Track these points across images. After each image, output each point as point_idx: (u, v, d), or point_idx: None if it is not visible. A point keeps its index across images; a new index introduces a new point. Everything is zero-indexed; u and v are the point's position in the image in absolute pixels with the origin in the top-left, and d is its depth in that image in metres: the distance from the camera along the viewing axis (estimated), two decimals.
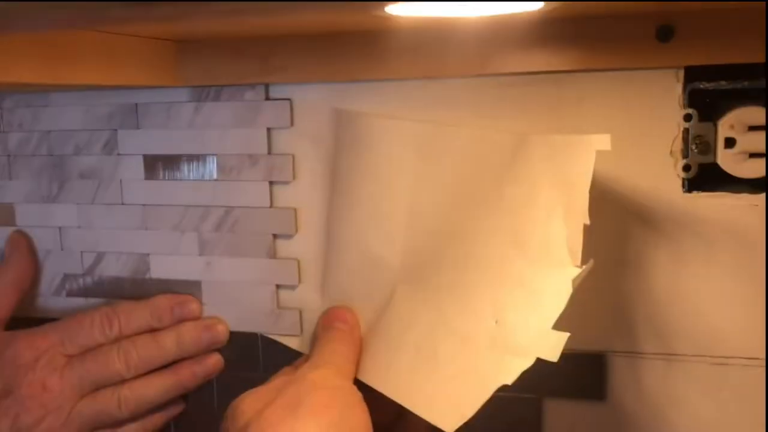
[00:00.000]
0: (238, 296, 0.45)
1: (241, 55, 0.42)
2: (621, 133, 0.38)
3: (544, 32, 0.37)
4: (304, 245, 0.44)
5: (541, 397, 0.41)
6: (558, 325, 0.40)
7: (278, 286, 0.44)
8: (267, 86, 0.43)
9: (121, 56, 0.39)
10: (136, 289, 0.47)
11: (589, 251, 0.39)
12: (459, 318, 0.37)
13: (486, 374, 0.35)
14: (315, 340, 0.42)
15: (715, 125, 0.37)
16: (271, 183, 0.44)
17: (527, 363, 0.34)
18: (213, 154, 0.44)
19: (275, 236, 0.44)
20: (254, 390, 0.37)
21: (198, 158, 0.45)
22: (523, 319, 0.35)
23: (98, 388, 0.42)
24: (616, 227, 0.39)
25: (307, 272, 0.44)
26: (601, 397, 0.40)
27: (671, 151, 0.38)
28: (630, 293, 0.39)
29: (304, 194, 0.43)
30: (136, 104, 0.46)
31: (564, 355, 0.41)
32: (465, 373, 0.36)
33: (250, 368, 0.46)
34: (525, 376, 0.41)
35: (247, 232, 0.44)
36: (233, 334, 0.46)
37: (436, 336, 0.37)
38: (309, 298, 0.44)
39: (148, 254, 0.47)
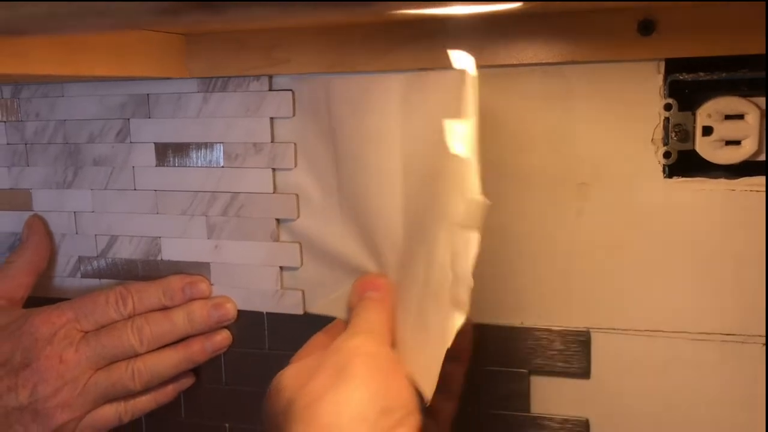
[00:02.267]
0: (244, 277, 0.48)
1: (246, 48, 0.44)
2: (605, 122, 0.40)
3: (533, 27, 0.39)
4: (305, 229, 0.46)
5: (530, 372, 0.43)
6: (546, 303, 0.43)
7: (282, 268, 0.47)
8: (270, 78, 0.45)
9: (133, 49, 0.41)
10: (148, 270, 0.50)
11: (577, 234, 0.42)
12: (433, 276, 0.36)
13: (442, 332, 0.35)
14: (349, 309, 0.41)
15: (694, 114, 0.39)
16: (274, 170, 0.46)
17: (461, 318, 0.34)
18: (220, 143, 0.47)
19: (278, 221, 0.46)
20: (292, 365, 0.37)
21: (206, 146, 0.47)
22: (464, 266, 0.34)
23: (113, 361, 0.45)
24: (601, 211, 0.41)
25: (308, 255, 0.46)
26: (586, 372, 0.43)
27: (652, 139, 0.40)
28: (614, 272, 0.41)
29: (305, 180, 0.45)
30: (148, 95, 0.48)
31: (550, 332, 0.43)
32: (436, 335, 0.36)
33: (256, 345, 0.48)
34: (514, 351, 0.44)
35: (252, 216, 0.47)
36: (240, 313, 0.48)
37: (425, 301, 0.37)
38: (311, 279, 0.46)
39: (159, 237, 0.49)
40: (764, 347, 0.40)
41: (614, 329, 0.42)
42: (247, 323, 0.48)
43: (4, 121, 0.52)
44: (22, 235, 0.52)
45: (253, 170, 0.46)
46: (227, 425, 0.50)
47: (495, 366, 0.44)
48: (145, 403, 0.47)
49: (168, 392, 0.48)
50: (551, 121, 0.41)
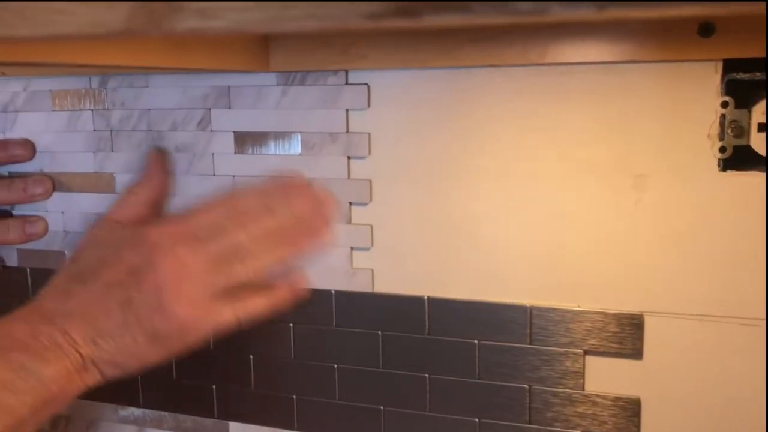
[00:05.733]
0: (316, 257, 0.51)
1: (325, 44, 0.48)
2: (664, 118, 0.43)
3: (598, 27, 0.42)
4: (376, 212, 0.49)
5: (585, 352, 0.46)
6: (602, 287, 0.46)
7: (353, 248, 0.50)
8: (347, 72, 0.48)
9: (223, 45, 0.45)
10: None
11: (634, 222, 0.44)
12: None
13: None
14: None
15: (749, 112, 0.41)
16: (348, 158, 0.49)
17: None
18: (297, 132, 0.50)
19: (351, 204, 0.50)
20: None
21: (284, 135, 0.51)
22: None
23: (227, 259, 0.47)
24: (660, 202, 0.44)
25: (378, 236, 0.50)
26: (639, 353, 0.45)
27: (709, 134, 0.42)
28: (668, 259, 0.44)
29: (378, 168, 0.49)
30: (229, 87, 0.52)
31: (606, 315, 0.46)
32: None
33: (325, 322, 0.52)
34: (571, 332, 0.46)
35: None
36: (310, 291, 0.52)
37: None
38: (380, 260, 0.50)
39: None
40: None
41: (666, 313, 0.45)
42: (316, 301, 0.52)
43: (92, 110, 0.56)
44: (146, 167, 0.53)
45: (328, 158, 0.49)
46: (294, 397, 0.54)
47: (552, 346, 0.47)
48: (261, 305, 0.49)
49: (282, 296, 0.49)
50: (612, 116, 0.44)
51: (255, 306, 0.49)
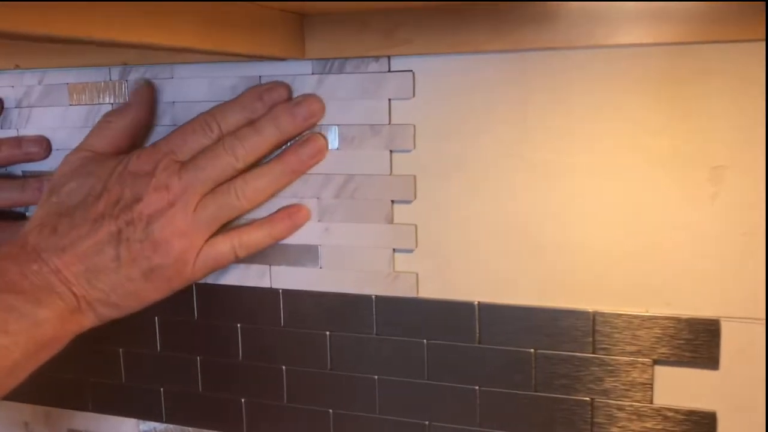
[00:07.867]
0: (355, 260, 0.47)
1: (366, 28, 0.44)
2: (746, 104, 0.39)
3: (670, 4, 0.38)
4: (421, 211, 0.45)
5: (654, 362, 0.42)
6: (673, 290, 0.42)
7: (395, 250, 0.46)
8: (389, 58, 0.45)
9: (259, 28, 0.41)
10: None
11: (710, 219, 0.41)
12: None
13: None
14: None
15: None
16: (391, 152, 0.45)
17: None
18: (335, 125, 0.46)
19: (394, 202, 0.46)
20: None
21: (320, 128, 0.47)
22: None
23: (215, 184, 0.45)
24: (739, 196, 0.40)
25: (423, 237, 0.46)
26: (715, 362, 0.41)
27: None
28: (748, 259, 0.40)
29: (423, 162, 0.45)
30: (260, 76, 0.48)
31: (678, 320, 0.42)
32: None
33: (364, 330, 0.48)
34: (638, 340, 0.42)
35: (366, 198, 0.46)
36: (348, 296, 0.48)
37: None
38: (425, 262, 0.46)
39: None
40: None
41: (746, 318, 0.41)
42: (355, 307, 0.48)
43: (112, 104, 0.53)
44: (129, 97, 0.51)
45: (369, 152, 0.46)
46: (330, 411, 0.50)
47: (618, 355, 0.43)
48: (259, 237, 0.47)
49: (282, 228, 0.47)
50: (687, 102, 0.40)
51: (253, 238, 0.47)
